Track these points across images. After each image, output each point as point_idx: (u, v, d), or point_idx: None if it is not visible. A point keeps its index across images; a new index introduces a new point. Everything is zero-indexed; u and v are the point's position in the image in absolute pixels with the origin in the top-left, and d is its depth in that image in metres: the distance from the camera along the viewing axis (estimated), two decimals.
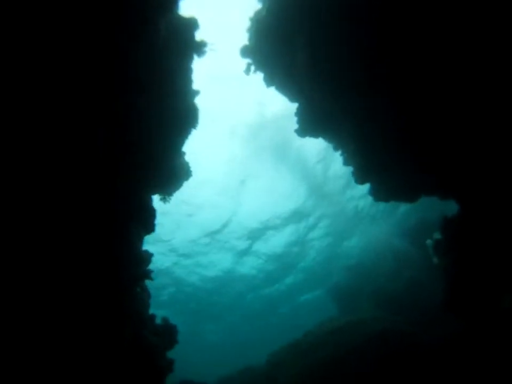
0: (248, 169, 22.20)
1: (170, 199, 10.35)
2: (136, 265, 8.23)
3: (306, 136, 10.88)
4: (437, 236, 19.77)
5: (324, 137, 11.06)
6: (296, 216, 25.28)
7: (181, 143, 9.02)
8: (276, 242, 27.22)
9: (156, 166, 8.27)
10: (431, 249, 10.79)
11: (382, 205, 23.76)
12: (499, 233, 8.15)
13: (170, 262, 26.84)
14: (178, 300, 31.75)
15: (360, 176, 9.64)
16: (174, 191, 10.20)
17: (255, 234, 26.29)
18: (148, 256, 10.16)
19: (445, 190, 9.38)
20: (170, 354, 9.81)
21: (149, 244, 13.48)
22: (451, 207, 9.50)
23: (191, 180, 10.32)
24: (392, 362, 11.74)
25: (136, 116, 7.29)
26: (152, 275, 9.19)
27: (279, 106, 17.96)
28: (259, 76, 11.00)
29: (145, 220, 8.47)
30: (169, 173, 9.48)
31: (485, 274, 8.40)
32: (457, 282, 8.69)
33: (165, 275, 27.86)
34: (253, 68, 11.01)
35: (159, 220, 9.03)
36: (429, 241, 17.69)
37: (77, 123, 6.02)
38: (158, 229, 9.01)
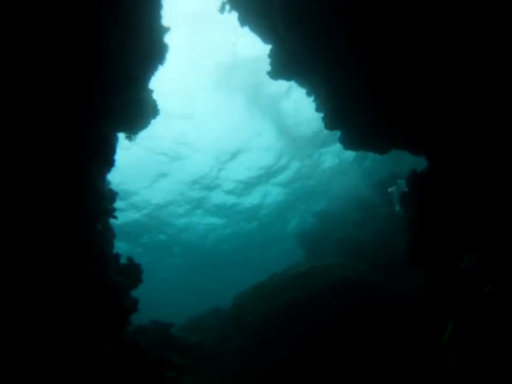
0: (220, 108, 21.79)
1: (136, 137, 10.09)
2: (96, 201, 8.06)
3: (278, 78, 10.62)
4: (402, 183, 20.22)
5: (297, 81, 10.83)
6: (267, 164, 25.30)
7: (147, 78, 8.68)
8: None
9: (119, 100, 7.93)
10: (393, 197, 10.96)
11: (351, 156, 24.12)
12: (465, 193, 8.24)
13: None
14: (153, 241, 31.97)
15: (330, 122, 9.50)
16: (141, 129, 9.90)
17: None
18: (111, 194, 10.03)
19: (416, 144, 9.35)
20: (141, 296, 9.96)
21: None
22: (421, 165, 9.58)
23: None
24: (354, 309, 12.23)
25: (101, 46, 6.87)
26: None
27: (253, 48, 17.41)
28: (234, 16, 10.57)
29: (106, 156, 8.24)
30: (135, 109, 9.16)
31: (447, 231, 8.55)
32: (420, 235, 8.86)
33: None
34: (227, 7, 10.65)
35: None
36: (391, 189, 18.09)
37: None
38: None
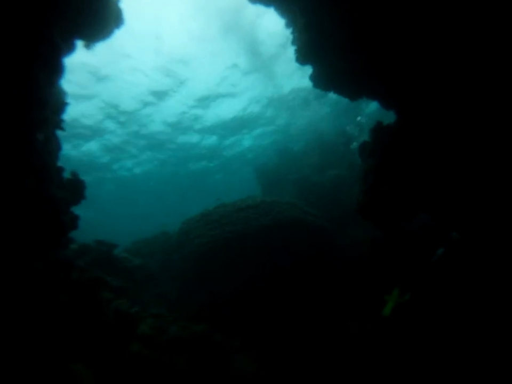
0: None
1: (94, 45, 9.36)
2: (37, 110, 7.30)
3: (256, 3, 9.79)
4: (362, 119, 20.13)
5: (276, 9, 10.01)
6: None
7: None
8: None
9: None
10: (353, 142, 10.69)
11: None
12: (428, 154, 8.07)
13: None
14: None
15: (303, 54, 8.87)
16: (101, 37, 9.10)
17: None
18: (59, 104, 9.26)
19: (387, 95, 8.97)
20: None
21: None
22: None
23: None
24: (299, 250, 12.31)
25: None
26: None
27: None
28: None
29: (53, 62, 7.38)
30: (93, 15, 8.27)
31: (403, 189, 8.42)
32: (374, 188, 8.74)
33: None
34: None
35: None
36: (349, 127, 17.89)
37: None
38: None
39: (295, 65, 10.18)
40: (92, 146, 27.86)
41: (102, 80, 21.22)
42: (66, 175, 9.77)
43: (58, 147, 9.63)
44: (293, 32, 10.26)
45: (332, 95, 11.64)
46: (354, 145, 17.71)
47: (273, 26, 18.37)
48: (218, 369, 8.78)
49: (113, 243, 13.76)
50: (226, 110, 26.85)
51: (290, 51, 9.92)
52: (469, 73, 6.79)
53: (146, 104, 24.71)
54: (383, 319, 9.28)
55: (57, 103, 9.08)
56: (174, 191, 39.31)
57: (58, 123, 9.38)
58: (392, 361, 9.75)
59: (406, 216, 8.68)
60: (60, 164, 9.48)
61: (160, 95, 24.00)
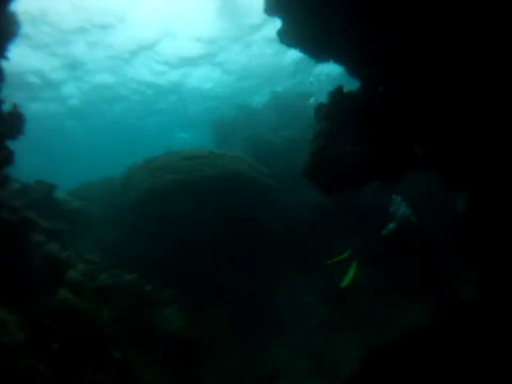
0: None
1: None
2: None
3: None
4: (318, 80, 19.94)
5: None
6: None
7: None
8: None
9: None
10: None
11: None
12: (388, 124, 7.98)
13: None
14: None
15: (272, 5, 8.28)
16: None
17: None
18: (7, 33, 8.37)
19: (356, 64, 8.67)
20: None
21: None
22: None
23: None
24: (239, 206, 12.15)
25: None
26: None
27: None
28: None
29: None
30: None
31: (354, 155, 8.20)
32: (322, 150, 8.56)
33: None
34: None
35: None
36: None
37: None
38: None
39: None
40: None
41: None
42: None
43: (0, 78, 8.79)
44: None
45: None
46: (312, 100, 17.37)
47: None
48: (145, 322, 8.68)
49: (52, 183, 12.98)
50: None
51: None
52: None
53: None
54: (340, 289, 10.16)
55: (4, 31, 8.17)
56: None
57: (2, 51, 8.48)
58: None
59: (353, 183, 8.59)
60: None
61: None
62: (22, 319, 6.94)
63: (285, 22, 8.92)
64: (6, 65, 8.61)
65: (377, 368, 5.13)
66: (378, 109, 8.74)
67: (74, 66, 24.47)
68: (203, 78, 27.86)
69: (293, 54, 21.35)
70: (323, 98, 9.34)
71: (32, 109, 25.87)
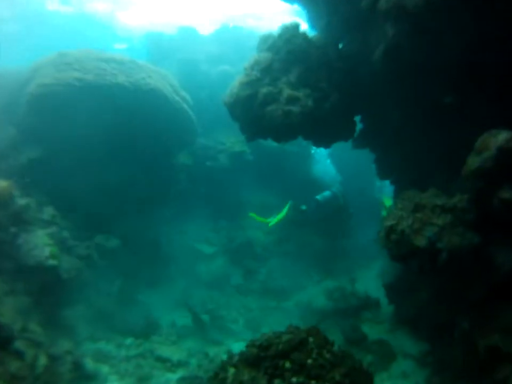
0: None
1: None
2: None
3: None
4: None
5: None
6: None
7: None
8: None
9: None
10: None
11: None
12: None
13: None
14: None
15: None
16: None
17: None
18: None
19: None
20: None
21: None
22: None
23: None
24: (153, 128, 10.58)
25: None
26: None
27: None
28: None
29: None
30: None
31: (288, 98, 7.10)
32: (257, 82, 7.29)
33: None
34: None
35: None
36: None
37: None
38: None
39: None
40: None
41: None
42: None
43: None
44: None
45: None
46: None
47: None
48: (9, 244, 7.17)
49: None
50: None
51: None
52: None
53: None
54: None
55: None
56: None
57: None
58: None
59: (278, 132, 7.43)
60: None
61: None
62: None
63: None
64: None
65: None
66: (333, 60, 7.75)
67: None
68: None
69: None
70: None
71: None
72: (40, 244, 7.53)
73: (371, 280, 11.19)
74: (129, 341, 8.73)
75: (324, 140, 8.67)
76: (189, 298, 10.88)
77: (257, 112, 7.04)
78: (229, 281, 12.30)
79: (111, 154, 10.92)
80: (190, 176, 13.28)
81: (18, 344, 6.17)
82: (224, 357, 8.62)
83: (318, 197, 12.26)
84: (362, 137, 8.70)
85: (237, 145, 14.23)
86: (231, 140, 14.22)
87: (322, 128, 7.71)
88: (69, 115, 10.09)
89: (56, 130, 10.27)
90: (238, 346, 9.35)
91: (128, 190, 11.30)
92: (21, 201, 7.86)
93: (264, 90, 7.03)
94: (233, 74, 15.59)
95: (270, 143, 14.64)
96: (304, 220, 12.34)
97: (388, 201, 12.80)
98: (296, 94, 7.07)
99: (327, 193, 12.44)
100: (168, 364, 8.07)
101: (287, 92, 7.03)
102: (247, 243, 13.19)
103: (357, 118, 8.60)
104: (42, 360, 6.39)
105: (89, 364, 7.24)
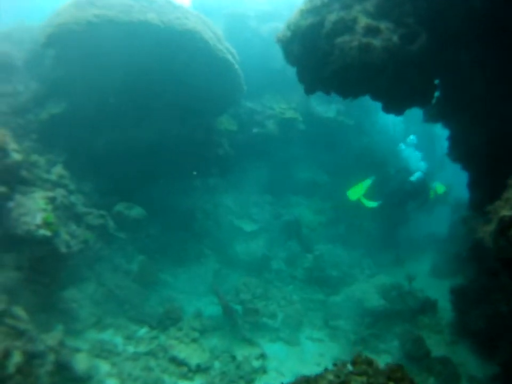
0: None
1: None
2: None
3: None
4: None
5: None
6: None
7: None
8: None
9: None
10: None
11: None
12: None
13: None
14: None
15: None
16: None
17: None
18: None
19: None
20: None
21: None
22: None
23: None
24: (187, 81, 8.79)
25: None
26: None
27: None
28: None
29: None
30: None
31: (366, 28, 5.13)
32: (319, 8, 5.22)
33: None
34: None
35: None
36: None
37: None
38: None
39: None
40: None
41: None
42: None
43: None
44: None
45: None
46: None
47: None
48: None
49: None
50: None
51: None
52: None
53: None
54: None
55: None
56: None
57: None
58: None
59: (352, 77, 5.43)
60: None
61: None
62: None
63: None
64: None
65: None
66: None
67: None
68: None
69: None
70: None
71: None
72: (33, 209, 6.04)
73: (423, 276, 9.95)
74: (142, 331, 7.26)
75: (396, 103, 6.59)
76: (221, 284, 9.24)
77: (323, 45, 5.06)
78: (269, 265, 10.62)
79: (141, 108, 9.40)
80: (233, 142, 11.47)
81: None
82: (255, 363, 7.08)
83: (412, 178, 11.27)
84: (439, 107, 6.58)
85: (288, 112, 12.33)
86: (281, 105, 12.29)
87: (404, 81, 5.63)
88: (94, 62, 8.60)
89: (82, 81, 8.85)
90: (273, 349, 7.72)
91: (159, 152, 9.78)
92: (17, 156, 6.38)
93: (333, 17, 5.02)
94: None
95: (325, 113, 12.71)
96: (385, 202, 11.10)
97: (440, 188, 12.15)
98: (377, 24, 4.99)
99: (419, 174, 11.37)
100: (184, 369, 6.48)
101: (364, 20, 4.96)
102: (294, 222, 11.42)
103: None
104: (16, 358, 4.94)
105: (82, 362, 5.74)
